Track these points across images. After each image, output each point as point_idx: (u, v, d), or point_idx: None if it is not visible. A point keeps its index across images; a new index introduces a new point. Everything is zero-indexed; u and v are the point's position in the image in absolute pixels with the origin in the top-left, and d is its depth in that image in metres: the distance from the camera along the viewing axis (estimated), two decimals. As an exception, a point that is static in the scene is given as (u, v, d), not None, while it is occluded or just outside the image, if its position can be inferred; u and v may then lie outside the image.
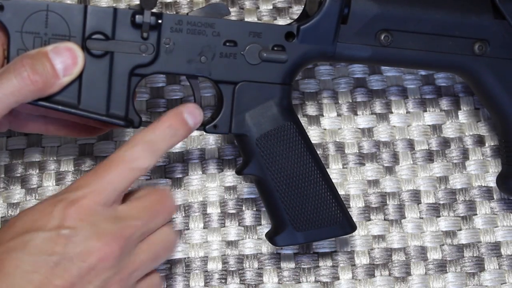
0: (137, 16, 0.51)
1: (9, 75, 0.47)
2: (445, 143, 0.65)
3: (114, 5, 0.67)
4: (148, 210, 0.49)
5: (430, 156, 0.65)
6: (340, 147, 0.64)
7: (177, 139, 0.50)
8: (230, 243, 0.62)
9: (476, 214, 0.63)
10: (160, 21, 0.51)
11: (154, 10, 0.60)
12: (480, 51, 0.56)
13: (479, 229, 0.63)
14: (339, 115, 0.65)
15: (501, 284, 0.62)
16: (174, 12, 0.67)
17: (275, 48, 0.54)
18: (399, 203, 0.63)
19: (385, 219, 0.63)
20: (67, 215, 0.45)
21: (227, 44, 0.53)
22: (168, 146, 0.49)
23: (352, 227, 0.57)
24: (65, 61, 0.49)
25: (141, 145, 0.48)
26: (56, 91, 0.50)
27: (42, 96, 0.49)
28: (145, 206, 0.49)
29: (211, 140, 0.64)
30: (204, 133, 0.63)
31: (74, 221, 0.45)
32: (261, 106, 0.54)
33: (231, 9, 0.67)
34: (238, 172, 0.56)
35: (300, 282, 0.61)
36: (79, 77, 0.50)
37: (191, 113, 0.50)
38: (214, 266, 0.61)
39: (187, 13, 0.53)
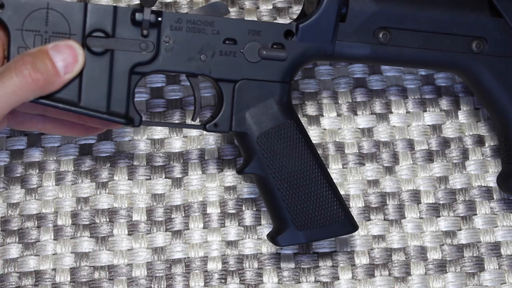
0: (137, 14, 0.51)
1: (11, 73, 0.47)
2: (445, 143, 0.65)
3: (114, 3, 0.67)
4: None
5: (430, 156, 0.65)
6: (340, 147, 0.64)
7: None
8: (230, 243, 0.62)
9: (476, 214, 0.63)
10: (160, 19, 0.52)
11: (154, 8, 0.60)
12: (478, 49, 0.57)
13: (479, 229, 0.63)
14: (339, 115, 0.65)
15: (501, 284, 0.62)
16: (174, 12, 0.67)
17: (275, 46, 0.54)
18: (399, 203, 0.63)
19: (385, 219, 0.63)
20: None
21: (227, 42, 0.53)
22: None
23: (354, 227, 0.56)
24: (65, 59, 0.49)
25: None
26: (57, 89, 0.50)
27: (43, 94, 0.49)
28: None
29: (211, 140, 0.64)
30: (204, 133, 0.63)
31: None
32: (261, 104, 0.54)
33: (231, 9, 0.67)
34: (239, 172, 0.56)
35: (300, 282, 0.61)
36: (80, 74, 0.51)
37: None
38: (214, 266, 0.61)
39: (187, 12, 0.54)
